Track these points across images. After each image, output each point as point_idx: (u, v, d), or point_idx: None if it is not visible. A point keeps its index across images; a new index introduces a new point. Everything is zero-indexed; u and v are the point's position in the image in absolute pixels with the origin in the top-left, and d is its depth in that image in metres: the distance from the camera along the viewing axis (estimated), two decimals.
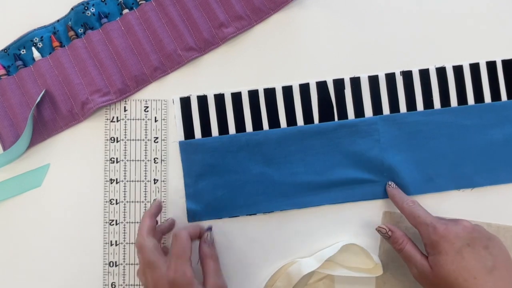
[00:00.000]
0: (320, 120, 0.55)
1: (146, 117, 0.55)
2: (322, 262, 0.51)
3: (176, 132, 0.55)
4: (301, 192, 0.53)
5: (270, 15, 0.56)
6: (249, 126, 0.55)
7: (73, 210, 0.54)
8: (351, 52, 0.56)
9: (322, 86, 0.55)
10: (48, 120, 0.54)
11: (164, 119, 0.55)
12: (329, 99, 0.55)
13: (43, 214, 0.54)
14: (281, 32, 0.56)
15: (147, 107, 0.55)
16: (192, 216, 0.54)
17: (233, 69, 0.56)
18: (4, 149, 0.54)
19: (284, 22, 0.56)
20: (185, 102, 0.55)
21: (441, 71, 0.56)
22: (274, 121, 0.55)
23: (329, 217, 0.54)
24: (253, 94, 0.55)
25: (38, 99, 0.53)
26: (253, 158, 0.54)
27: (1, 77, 0.54)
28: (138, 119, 0.55)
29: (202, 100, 0.55)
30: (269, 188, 0.54)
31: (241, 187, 0.54)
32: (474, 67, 0.56)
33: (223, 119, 0.55)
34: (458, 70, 0.56)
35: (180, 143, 0.55)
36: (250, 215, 0.54)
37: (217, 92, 0.55)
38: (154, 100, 0.55)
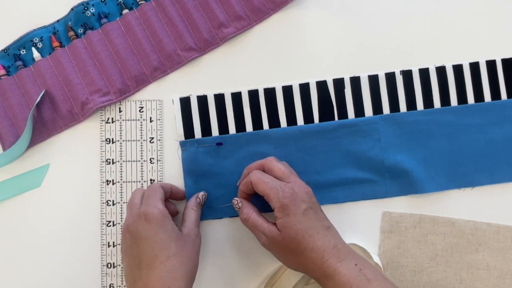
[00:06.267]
0: (320, 120, 0.55)
1: (141, 117, 0.55)
2: None
3: (176, 132, 0.55)
4: None
5: (270, 15, 0.56)
6: (249, 126, 0.55)
7: (72, 211, 0.54)
8: (351, 51, 0.56)
9: (322, 85, 0.55)
10: (48, 120, 0.54)
11: (159, 119, 0.55)
12: (329, 98, 0.55)
13: (42, 214, 0.54)
14: (281, 32, 0.56)
15: (142, 107, 0.55)
16: None
17: (233, 69, 0.56)
18: (4, 149, 0.54)
19: (284, 22, 0.56)
20: (185, 102, 0.55)
21: (441, 70, 0.56)
22: (274, 121, 0.55)
23: (329, 217, 0.54)
24: (253, 94, 0.55)
25: (38, 99, 0.53)
26: (253, 158, 0.53)
27: (1, 77, 0.54)
28: (133, 120, 0.55)
29: (202, 100, 0.55)
30: None
31: None
32: (474, 66, 0.56)
33: (223, 119, 0.55)
34: (458, 69, 0.56)
35: (181, 143, 0.54)
36: None
37: (217, 92, 0.55)
38: (149, 100, 0.55)
